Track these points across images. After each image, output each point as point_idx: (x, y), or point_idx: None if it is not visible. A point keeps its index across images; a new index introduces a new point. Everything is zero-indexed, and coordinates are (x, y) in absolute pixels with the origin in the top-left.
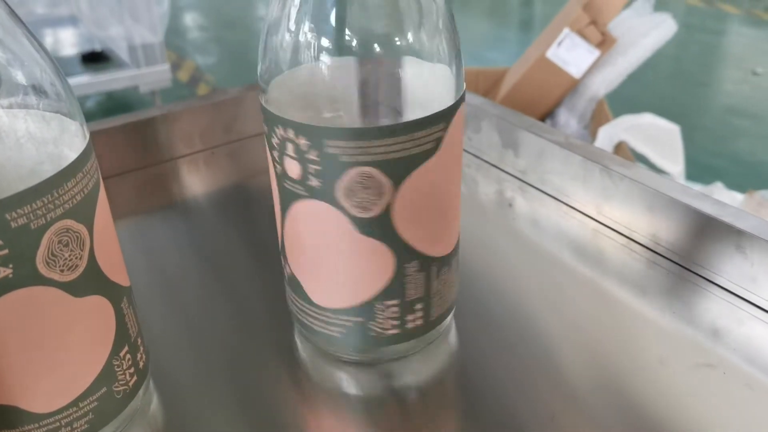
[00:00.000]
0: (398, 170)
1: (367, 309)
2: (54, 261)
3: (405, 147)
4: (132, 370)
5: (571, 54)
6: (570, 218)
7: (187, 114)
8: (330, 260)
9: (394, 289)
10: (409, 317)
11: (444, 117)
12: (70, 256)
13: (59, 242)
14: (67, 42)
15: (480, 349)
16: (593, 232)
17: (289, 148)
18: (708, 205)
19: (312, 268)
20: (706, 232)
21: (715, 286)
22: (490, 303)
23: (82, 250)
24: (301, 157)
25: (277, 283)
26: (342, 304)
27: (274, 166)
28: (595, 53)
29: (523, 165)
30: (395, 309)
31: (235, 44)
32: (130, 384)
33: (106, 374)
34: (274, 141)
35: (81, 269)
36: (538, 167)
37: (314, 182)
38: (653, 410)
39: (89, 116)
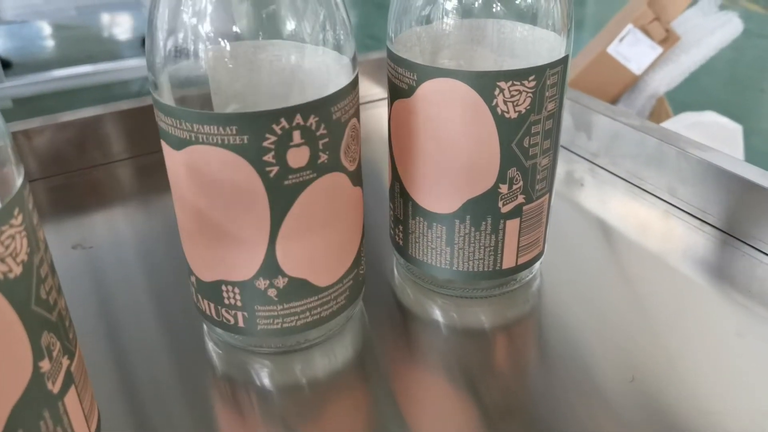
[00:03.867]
0: None
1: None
2: (347, 151)
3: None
4: (363, 260)
5: (633, 50)
6: (641, 200)
7: None
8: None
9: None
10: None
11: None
12: (354, 149)
13: (351, 137)
14: (128, 26)
15: (561, 306)
16: (664, 213)
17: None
18: None
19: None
20: None
21: None
22: (567, 267)
23: (358, 146)
24: None
25: None
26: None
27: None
28: (658, 50)
29: (595, 147)
30: None
31: None
32: (363, 272)
33: (357, 258)
34: None
35: (356, 162)
36: (610, 150)
37: None
38: (730, 381)
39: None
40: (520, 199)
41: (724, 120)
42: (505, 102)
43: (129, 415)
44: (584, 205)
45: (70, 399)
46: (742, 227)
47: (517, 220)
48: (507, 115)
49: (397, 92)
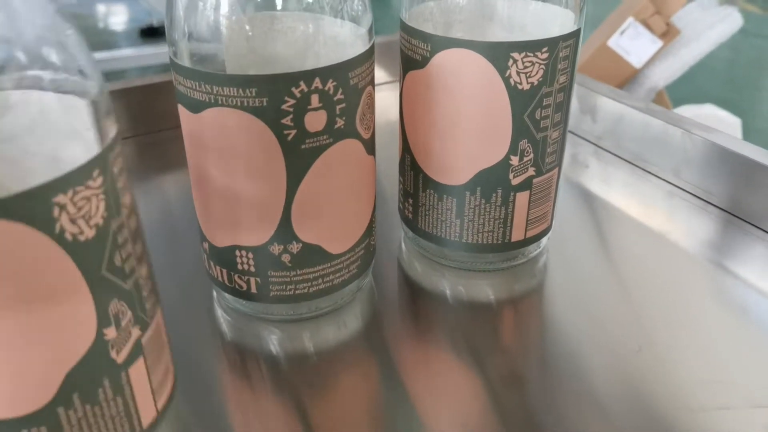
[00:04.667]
0: None
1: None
2: (363, 119)
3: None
4: (374, 230)
5: (634, 43)
6: (645, 181)
7: None
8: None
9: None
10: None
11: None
12: (370, 117)
13: (367, 104)
14: (127, 17)
15: (568, 282)
16: (668, 194)
17: None
18: None
19: None
20: None
21: None
22: (573, 245)
23: (372, 115)
24: None
25: None
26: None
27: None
28: (658, 43)
29: (599, 130)
30: None
31: None
32: (374, 242)
33: (369, 227)
34: None
35: (371, 130)
36: (615, 133)
37: None
38: (732, 355)
39: None
40: (531, 171)
41: (723, 113)
42: (518, 73)
43: None
44: (588, 187)
45: (137, 370)
46: (746, 207)
47: (527, 193)
48: (520, 87)
49: (410, 64)
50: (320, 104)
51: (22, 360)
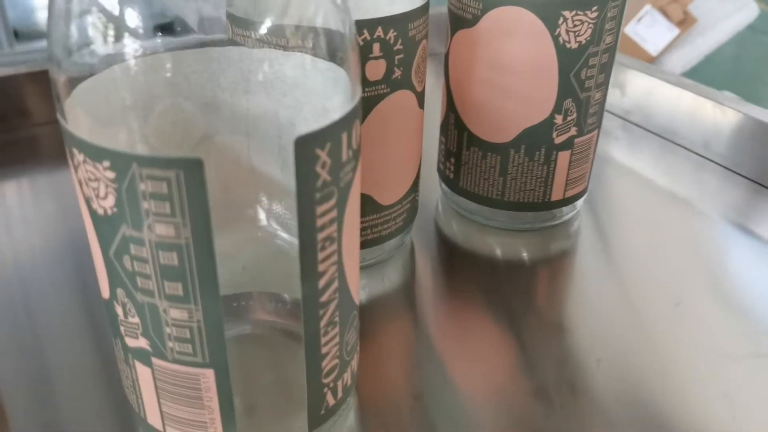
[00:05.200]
0: None
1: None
2: (418, 71)
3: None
4: (419, 184)
5: (650, 31)
6: (674, 154)
7: None
8: None
9: None
10: None
11: None
12: (423, 70)
13: (422, 57)
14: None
15: (600, 244)
16: (697, 165)
17: None
18: None
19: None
20: None
21: None
22: (604, 210)
23: (425, 69)
24: None
25: None
26: None
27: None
28: (675, 31)
29: (628, 104)
30: None
31: None
32: (418, 197)
33: (416, 181)
34: None
35: (423, 84)
36: (644, 107)
37: None
38: (762, 307)
39: None
40: (573, 131)
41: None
42: (567, 31)
43: None
44: (617, 158)
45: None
46: None
47: (568, 152)
48: (568, 45)
49: (460, 23)
50: (381, 53)
51: None
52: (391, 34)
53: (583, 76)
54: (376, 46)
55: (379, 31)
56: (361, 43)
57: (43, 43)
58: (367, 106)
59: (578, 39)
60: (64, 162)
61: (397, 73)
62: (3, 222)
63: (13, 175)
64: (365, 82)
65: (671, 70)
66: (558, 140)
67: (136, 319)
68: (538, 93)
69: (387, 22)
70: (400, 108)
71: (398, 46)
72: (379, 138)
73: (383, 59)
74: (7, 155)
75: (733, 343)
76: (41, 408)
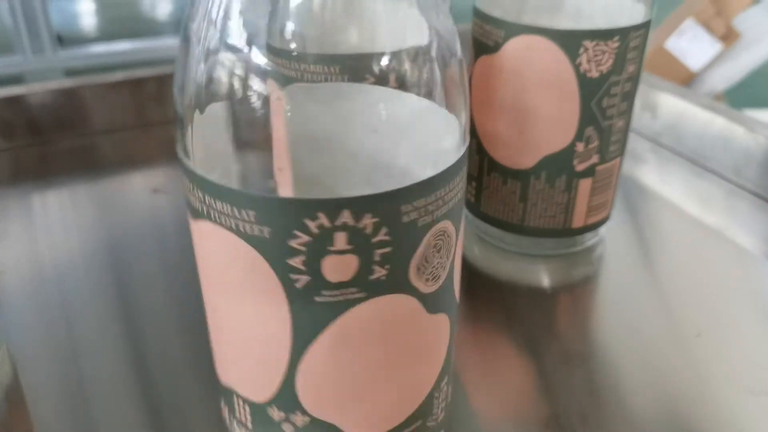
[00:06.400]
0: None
1: None
2: (424, 267)
3: None
4: (444, 404)
5: (692, 46)
6: (704, 179)
7: None
8: None
9: None
10: None
11: None
12: (438, 264)
13: (434, 246)
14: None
15: (623, 272)
16: (728, 192)
17: None
18: None
19: None
20: None
21: None
22: (628, 236)
23: (448, 259)
24: None
25: None
26: None
27: None
28: (718, 46)
29: (659, 127)
30: None
31: None
32: (439, 420)
33: (426, 406)
34: None
35: (442, 280)
36: (675, 129)
37: None
38: None
39: None
40: (595, 158)
41: None
42: (588, 61)
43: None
44: (646, 182)
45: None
46: None
47: (589, 180)
48: (589, 74)
49: (483, 49)
50: (349, 246)
51: None
52: (368, 221)
53: (604, 105)
54: (339, 236)
55: (346, 216)
56: (316, 230)
57: (87, 50)
58: (324, 314)
59: (600, 68)
60: (103, 171)
61: (380, 272)
62: (45, 230)
63: (55, 184)
64: (323, 282)
65: (713, 86)
66: (579, 167)
67: None
68: (558, 120)
69: (360, 202)
70: (388, 319)
71: (382, 237)
72: (346, 359)
73: (353, 254)
74: (53, 165)
75: (754, 377)
76: (71, 416)
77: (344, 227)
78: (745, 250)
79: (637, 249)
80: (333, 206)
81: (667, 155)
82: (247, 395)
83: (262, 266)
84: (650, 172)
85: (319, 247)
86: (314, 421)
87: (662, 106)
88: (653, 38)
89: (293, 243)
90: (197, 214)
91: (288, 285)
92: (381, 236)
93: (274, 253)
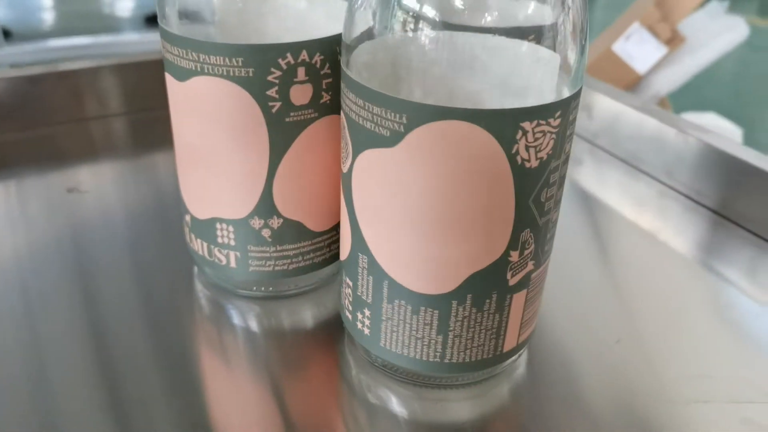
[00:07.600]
0: None
1: None
2: None
3: None
4: None
5: (639, 49)
6: (638, 180)
7: None
8: None
9: None
10: None
11: None
12: None
13: None
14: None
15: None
16: (660, 193)
17: None
18: None
19: None
20: None
21: None
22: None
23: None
24: None
25: None
26: None
27: None
28: (663, 50)
29: (595, 128)
30: None
31: None
32: None
33: None
34: None
35: None
36: (611, 131)
37: None
38: (713, 350)
39: None
40: (530, 266)
41: (724, 123)
42: (527, 147)
43: (112, 349)
44: (582, 185)
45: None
46: (736, 209)
47: (523, 292)
48: (528, 164)
49: (370, 139)
50: (306, 77)
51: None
52: (318, 58)
53: (543, 198)
54: (300, 70)
55: (304, 55)
56: (285, 66)
57: (37, 45)
58: (292, 131)
59: (539, 155)
60: (56, 163)
61: (326, 97)
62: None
63: (11, 175)
64: (290, 106)
65: (658, 89)
66: (513, 281)
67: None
68: (489, 228)
69: (312, 45)
70: (330, 133)
71: (326, 70)
72: (307, 164)
73: (309, 84)
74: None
75: (679, 386)
76: (34, 412)
77: (303, 63)
78: (676, 253)
79: (571, 253)
80: (296, 48)
81: (603, 156)
82: (230, 216)
83: (247, 99)
84: (587, 175)
85: (287, 79)
86: (286, 221)
87: (598, 107)
88: (601, 41)
89: (270, 77)
90: (187, 74)
91: (266, 111)
92: (325, 69)
93: (257, 88)
